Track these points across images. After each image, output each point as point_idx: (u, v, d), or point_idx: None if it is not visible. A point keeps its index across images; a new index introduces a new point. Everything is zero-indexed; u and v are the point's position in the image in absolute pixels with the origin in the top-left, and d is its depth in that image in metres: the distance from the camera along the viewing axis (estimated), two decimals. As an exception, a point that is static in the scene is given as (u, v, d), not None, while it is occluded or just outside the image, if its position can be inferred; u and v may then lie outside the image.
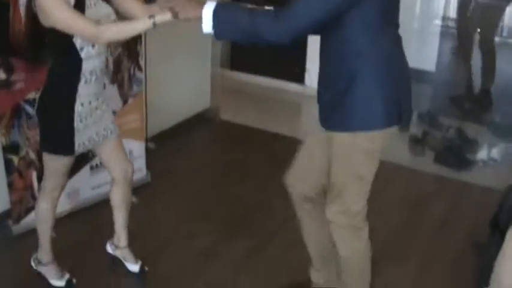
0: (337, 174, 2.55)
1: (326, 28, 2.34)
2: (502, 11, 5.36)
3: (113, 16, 2.67)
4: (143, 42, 3.84)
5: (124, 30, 2.59)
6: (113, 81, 3.69)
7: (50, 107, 2.72)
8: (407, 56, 2.53)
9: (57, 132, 2.74)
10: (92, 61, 2.63)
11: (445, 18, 5.67)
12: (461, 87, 5.43)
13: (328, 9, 2.23)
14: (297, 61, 5.78)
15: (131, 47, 3.75)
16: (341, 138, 2.47)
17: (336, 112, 2.45)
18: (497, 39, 5.54)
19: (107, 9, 2.66)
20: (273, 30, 2.23)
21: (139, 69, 3.85)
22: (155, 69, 4.12)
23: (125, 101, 3.81)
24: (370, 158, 2.51)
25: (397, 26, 2.47)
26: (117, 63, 3.69)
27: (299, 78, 5.86)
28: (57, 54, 2.66)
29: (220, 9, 2.27)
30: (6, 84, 3.13)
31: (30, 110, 3.29)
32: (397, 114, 2.43)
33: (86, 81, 2.65)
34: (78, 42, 2.54)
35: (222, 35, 2.36)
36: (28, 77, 3.24)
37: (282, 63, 5.77)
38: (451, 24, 5.66)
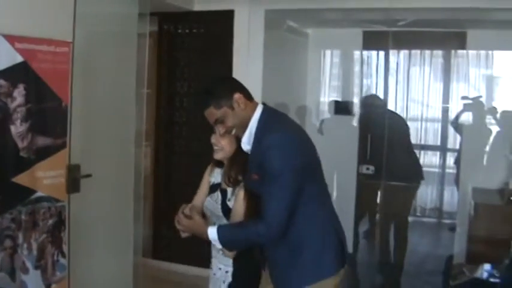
0: None
1: None
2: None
3: (214, 218, 3.17)
4: (67, 229, 3.99)
5: None
6: (36, 267, 3.76)
7: None
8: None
9: None
10: None
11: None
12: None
13: (291, 191, 2.77)
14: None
15: (55, 234, 3.89)
16: None
17: (290, 272, 2.92)
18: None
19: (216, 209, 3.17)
20: (265, 237, 2.83)
21: (63, 255, 3.95)
22: (78, 256, 4.22)
23: (47, 287, 3.84)
24: None
25: (329, 196, 3.09)
26: (41, 249, 3.78)
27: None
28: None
29: (221, 232, 2.84)
30: None
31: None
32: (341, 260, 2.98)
33: None
34: None
35: (229, 248, 2.96)
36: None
37: (204, 251, 5.93)
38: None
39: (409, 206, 6.25)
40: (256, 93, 5.38)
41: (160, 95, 6.08)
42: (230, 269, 3.14)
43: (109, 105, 4.69)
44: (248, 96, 2.98)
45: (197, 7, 5.68)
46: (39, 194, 3.75)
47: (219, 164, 3.24)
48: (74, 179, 4.07)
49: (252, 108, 2.95)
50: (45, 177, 3.79)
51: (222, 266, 3.17)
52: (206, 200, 3.22)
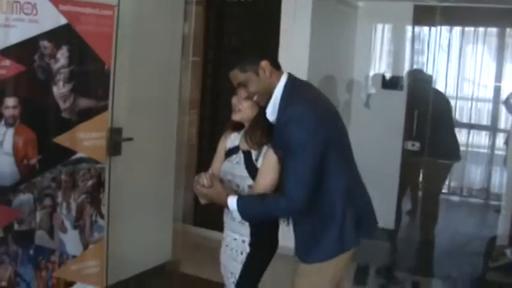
0: None
1: None
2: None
3: (238, 179, 3.09)
4: (106, 190, 4.05)
5: None
6: (74, 227, 3.84)
7: None
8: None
9: None
10: None
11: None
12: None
13: (311, 165, 2.74)
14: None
15: (94, 195, 3.95)
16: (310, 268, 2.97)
17: (313, 248, 2.92)
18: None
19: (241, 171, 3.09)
20: (287, 212, 2.91)
21: (101, 216, 4.01)
22: (117, 218, 4.29)
23: (85, 247, 3.92)
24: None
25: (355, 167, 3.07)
26: (80, 209, 3.86)
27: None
28: None
29: (241, 204, 2.82)
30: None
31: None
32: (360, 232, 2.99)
33: None
34: None
35: (249, 221, 2.96)
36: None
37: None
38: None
39: (443, 183, 6.20)
40: (303, 64, 5.40)
41: (207, 63, 6.08)
42: (247, 239, 3.07)
43: (154, 71, 4.73)
44: (276, 65, 2.94)
45: (246, -24, 5.64)
46: (79, 155, 3.81)
47: (235, 128, 3.18)
48: (115, 142, 4.14)
49: (278, 77, 2.90)
50: (86, 139, 3.84)
51: (237, 236, 3.10)
52: (224, 164, 3.16)
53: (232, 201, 2.83)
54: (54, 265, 3.76)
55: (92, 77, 3.84)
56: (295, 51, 5.34)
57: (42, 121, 3.61)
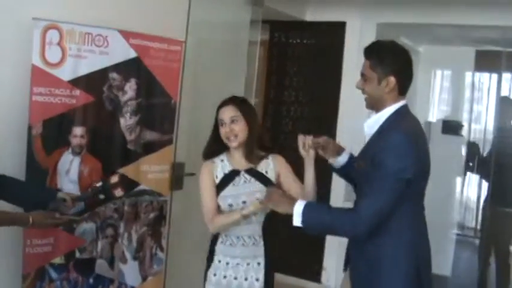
0: None
1: None
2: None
3: (258, 194, 3.01)
4: (167, 224, 4.07)
5: (223, 221, 3.06)
6: (134, 258, 3.86)
7: None
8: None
9: None
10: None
11: (462, 227, 5.93)
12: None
13: (389, 200, 2.60)
14: (315, 259, 5.89)
15: (155, 228, 3.97)
16: None
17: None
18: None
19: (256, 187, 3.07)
20: (351, 228, 2.65)
21: (161, 249, 4.03)
22: (176, 252, 4.28)
23: (144, 278, 3.92)
24: None
25: (423, 216, 2.87)
26: (141, 241, 3.87)
27: (316, 276, 5.95)
28: None
29: (308, 209, 2.68)
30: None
31: (54, 274, 3.46)
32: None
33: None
34: None
35: (308, 230, 2.72)
36: (56, 243, 3.45)
37: (300, 261, 5.91)
38: (468, 233, 5.91)
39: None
40: (362, 107, 5.36)
41: (268, 103, 6.12)
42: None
43: (215, 111, 4.75)
44: (402, 90, 2.79)
45: (309, 17, 5.66)
46: (142, 187, 3.85)
47: (208, 156, 3.22)
48: (177, 176, 4.15)
49: (394, 100, 2.76)
50: (150, 172, 3.89)
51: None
52: (228, 190, 3.08)
53: (300, 204, 2.71)
54: (113, 295, 3.77)
55: (158, 111, 3.90)
56: (357, 94, 5.29)
57: (107, 151, 3.67)
